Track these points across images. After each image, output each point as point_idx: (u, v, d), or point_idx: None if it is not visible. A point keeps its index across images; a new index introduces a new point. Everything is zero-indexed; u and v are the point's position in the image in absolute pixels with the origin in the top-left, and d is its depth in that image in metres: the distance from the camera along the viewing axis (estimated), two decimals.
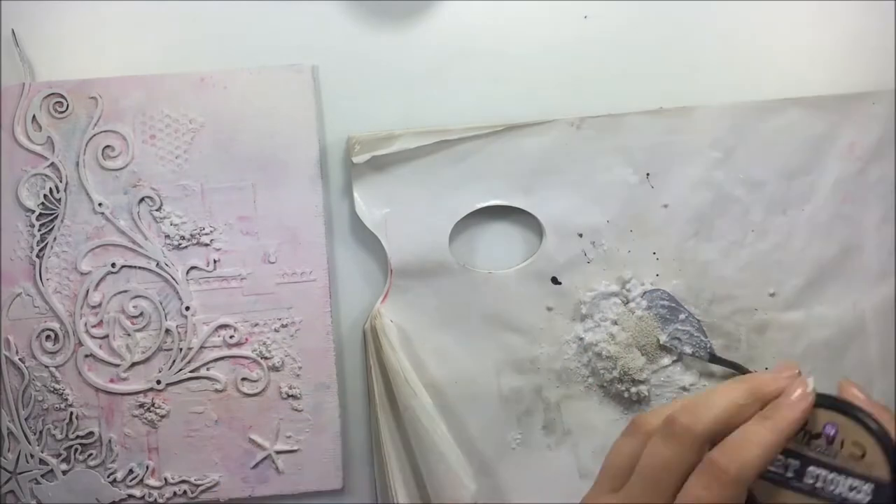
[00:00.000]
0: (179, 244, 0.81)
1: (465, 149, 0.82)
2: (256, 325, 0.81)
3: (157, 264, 0.81)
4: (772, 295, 0.83)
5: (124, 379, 0.81)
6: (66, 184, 0.80)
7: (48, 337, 0.80)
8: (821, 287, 0.84)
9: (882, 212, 0.84)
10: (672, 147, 0.83)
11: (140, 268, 0.81)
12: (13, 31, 0.81)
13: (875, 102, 0.83)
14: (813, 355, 0.84)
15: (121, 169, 0.81)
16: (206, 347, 0.81)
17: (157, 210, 0.81)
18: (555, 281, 0.83)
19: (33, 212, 0.80)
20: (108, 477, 0.81)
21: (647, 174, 0.83)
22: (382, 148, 0.81)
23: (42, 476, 0.80)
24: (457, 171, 0.82)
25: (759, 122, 0.83)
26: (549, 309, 0.83)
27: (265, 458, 0.82)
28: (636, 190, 0.83)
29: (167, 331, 0.81)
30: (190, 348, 0.81)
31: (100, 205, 0.80)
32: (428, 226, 0.82)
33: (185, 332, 0.81)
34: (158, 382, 0.81)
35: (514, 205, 0.83)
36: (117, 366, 0.81)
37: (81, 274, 0.80)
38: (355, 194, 0.82)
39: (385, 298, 0.82)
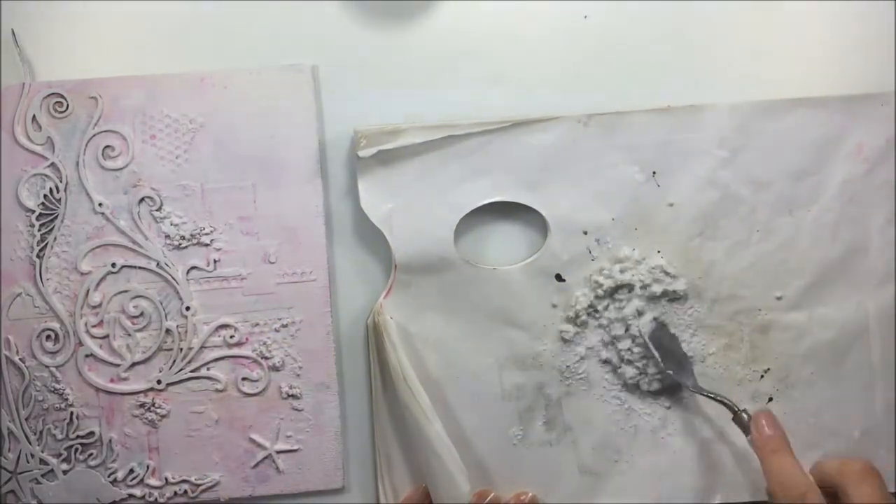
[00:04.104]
0: (179, 244, 0.81)
1: (472, 144, 0.82)
2: (257, 325, 0.81)
3: (158, 264, 0.81)
4: (779, 299, 0.83)
5: (125, 379, 0.81)
6: (66, 184, 0.80)
7: (48, 337, 0.81)
8: (825, 288, 0.83)
9: (887, 213, 0.83)
10: (679, 146, 0.82)
11: (140, 268, 0.81)
12: (13, 31, 0.81)
13: (884, 104, 0.82)
14: (815, 356, 0.83)
15: (121, 169, 0.81)
16: (206, 347, 0.81)
17: (157, 210, 0.81)
18: (559, 278, 0.83)
19: (33, 212, 0.80)
20: (109, 477, 0.81)
21: (654, 172, 0.82)
22: (389, 142, 0.80)
23: (42, 476, 0.81)
24: (463, 166, 0.82)
25: (767, 122, 0.82)
26: (554, 306, 0.83)
27: (265, 458, 0.82)
28: (642, 188, 0.83)
29: (167, 331, 0.81)
30: (190, 348, 0.81)
31: (100, 205, 0.80)
32: (433, 221, 0.82)
33: (186, 332, 0.81)
34: (159, 382, 0.81)
35: (519, 201, 0.83)
36: (118, 366, 0.81)
37: (81, 274, 0.81)
38: (360, 188, 0.81)
39: (388, 293, 0.82)
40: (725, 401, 0.79)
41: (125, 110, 0.81)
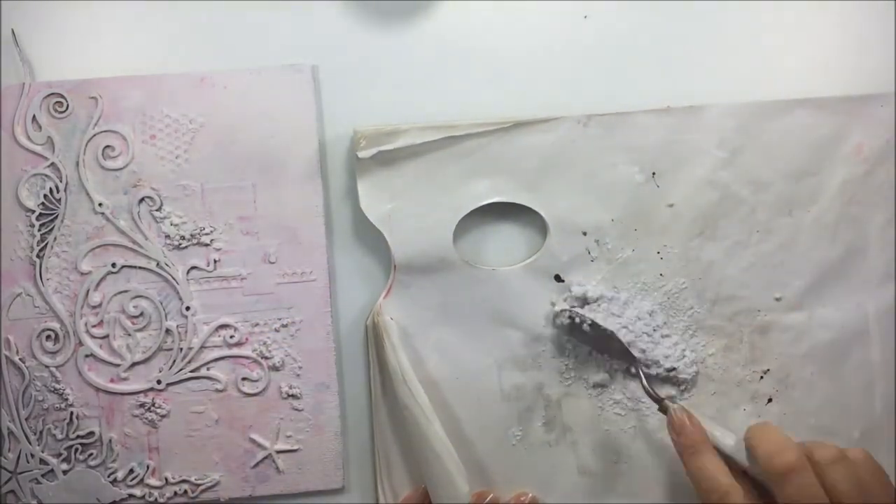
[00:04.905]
0: (179, 244, 0.81)
1: (471, 145, 0.82)
2: (257, 324, 0.81)
3: (158, 264, 0.81)
4: (778, 299, 0.83)
5: (125, 379, 0.81)
6: (66, 184, 0.80)
7: (48, 337, 0.80)
8: (825, 288, 0.83)
9: (887, 213, 0.83)
10: (678, 146, 0.82)
11: (140, 268, 0.81)
12: (13, 31, 0.81)
13: (883, 105, 0.83)
14: (815, 356, 0.83)
15: (121, 169, 0.81)
16: (206, 347, 0.81)
17: (157, 210, 0.81)
18: (558, 279, 0.83)
19: (33, 212, 0.80)
20: (109, 477, 0.81)
21: (653, 173, 0.82)
22: (388, 143, 0.80)
23: (42, 476, 0.80)
24: (462, 167, 0.82)
25: (767, 123, 0.82)
26: (553, 305, 0.83)
27: (265, 458, 0.82)
28: (642, 189, 0.83)
29: (167, 331, 0.81)
30: (190, 348, 0.81)
31: (100, 205, 0.80)
32: (432, 221, 0.82)
33: (186, 331, 0.81)
34: (159, 382, 0.81)
35: (518, 202, 0.82)
36: (118, 366, 0.81)
37: (81, 274, 0.80)
38: (359, 189, 0.81)
39: (388, 294, 0.82)
40: (650, 391, 0.78)
41: (125, 110, 0.81)
